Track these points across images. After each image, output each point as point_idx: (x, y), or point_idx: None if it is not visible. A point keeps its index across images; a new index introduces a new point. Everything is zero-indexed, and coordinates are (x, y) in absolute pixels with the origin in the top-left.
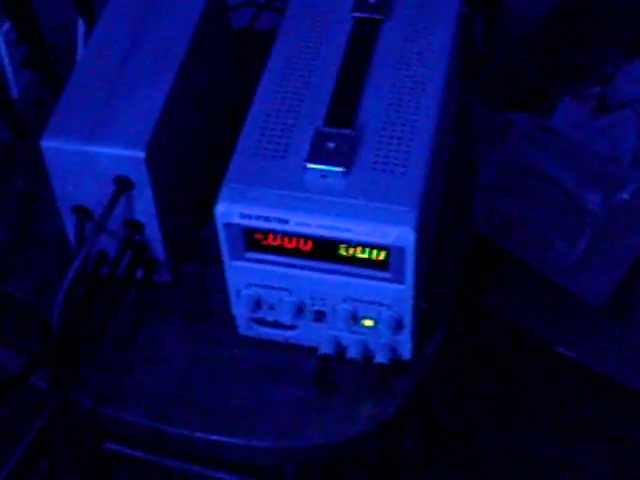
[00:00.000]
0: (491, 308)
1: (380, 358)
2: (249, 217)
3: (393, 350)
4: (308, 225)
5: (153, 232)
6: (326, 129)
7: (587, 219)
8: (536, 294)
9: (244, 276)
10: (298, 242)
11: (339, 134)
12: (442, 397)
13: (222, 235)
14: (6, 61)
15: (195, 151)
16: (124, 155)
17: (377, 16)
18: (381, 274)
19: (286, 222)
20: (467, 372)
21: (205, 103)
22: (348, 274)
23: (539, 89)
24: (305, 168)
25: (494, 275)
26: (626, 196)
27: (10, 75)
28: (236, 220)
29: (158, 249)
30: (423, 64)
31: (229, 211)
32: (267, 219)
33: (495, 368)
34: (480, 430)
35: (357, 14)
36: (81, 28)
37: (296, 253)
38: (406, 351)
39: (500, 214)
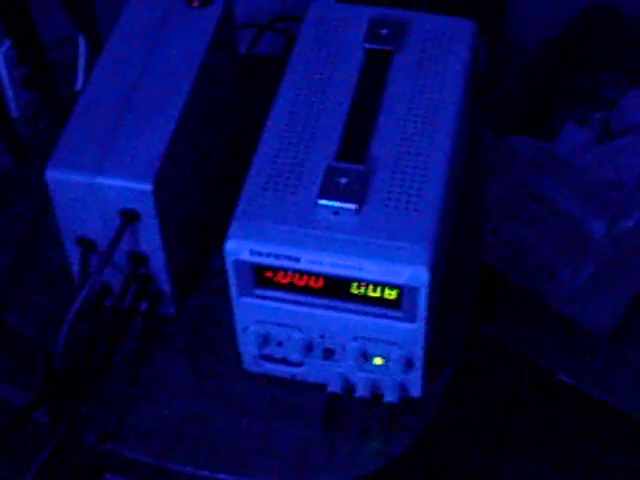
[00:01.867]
0: (494, 335)
1: (389, 397)
2: (259, 254)
3: (403, 389)
4: (319, 263)
5: (158, 265)
6: (338, 164)
7: (591, 247)
8: (539, 322)
9: (252, 313)
10: (309, 280)
11: (351, 169)
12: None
13: (231, 272)
14: (6, 81)
15: (201, 181)
16: (131, 187)
17: (389, 47)
18: (393, 313)
19: (297, 260)
20: (468, 400)
21: (211, 132)
22: (359, 312)
23: (543, 113)
24: (316, 204)
25: (497, 302)
26: (630, 224)
27: (10, 95)
28: (246, 257)
29: (163, 282)
30: (436, 97)
31: (239, 248)
32: (277, 256)
33: (497, 396)
34: (480, 458)
35: (369, 45)
36: (82, 45)
37: (306, 291)
38: (416, 389)
39: (503, 241)
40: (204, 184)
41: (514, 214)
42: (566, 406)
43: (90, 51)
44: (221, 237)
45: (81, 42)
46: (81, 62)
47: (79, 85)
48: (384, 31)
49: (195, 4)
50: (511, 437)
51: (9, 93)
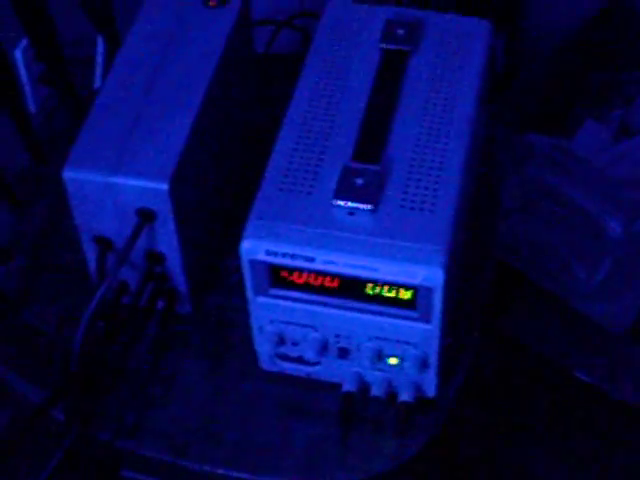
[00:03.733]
0: (510, 332)
1: (404, 396)
2: (275, 254)
3: (418, 388)
4: (335, 264)
5: (175, 264)
6: (354, 164)
7: (608, 245)
8: (556, 320)
9: (268, 312)
10: (324, 280)
11: (367, 170)
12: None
13: (247, 271)
14: (24, 78)
15: (217, 181)
16: (147, 187)
17: (405, 48)
18: (408, 313)
19: (312, 260)
20: (484, 396)
21: (228, 131)
22: (374, 313)
23: (560, 111)
24: (332, 205)
25: (513, 300)
26: None
27: (28, 92)
28: (262, 257)
29: (179, 280)
30: (452, 97)
31: (255, 248)
32: (293, 257)
33: (512, 392)
34: (496, 455)
35: (385, 45)
36: (100, 45)
37: (322, 291)
38: (431, 389)
39: (520, 238)
40: (220, 183)
41: (531, 212)
42: (582, 404)
43: (108, 50)
44: (237, 236)
45: (99, 41)
46: (99, 61)
47: (97, 84)
48: (400, 31)
49: (212, 4)
50: (527, 435)
51: (27, 89)
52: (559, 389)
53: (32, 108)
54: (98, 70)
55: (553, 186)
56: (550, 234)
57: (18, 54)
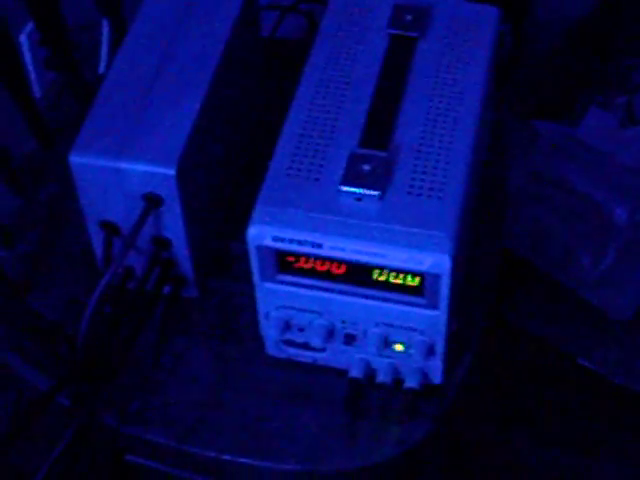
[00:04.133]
0: (515, 320)
1: (410, 383)
2: (282, 240)
3: (424, 375)
4: (342, 249)
5: (181, 249)
6: (361, 151)
7: (613, 233)
8: (561, 307)
9: (274, 298)
10: (331, 265)
11: (374, 156)
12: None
13: (253, 257)
14: (29, 62)
15: (224, 166)
16: (154, 172)
17: (413, 34)
18: (415, 300)
19: (320, 246)
20: (488, 383)
21: (235, 116)
22: (381, 299)
23: (566, 98)
24: (339, 191)
25: (519, 287)
26: None
27: (33, 77)
28: (268, 243)
29: (186, 266)
30: (459, 84)
31: (261, 233)
32: (300, 242)
33: (517, 380)
34: (500, 441)
35: (393, 31)
36: (106, 29)
37: (328, 276)
38: (437, 376)
39: (525, 226)
40: (227, 169)
41: (536, 199)
42: (587, 391)
43: (113, 35)
44: (244, 221)
45: (105, 26)
46: (104, 46)
47: (102, 69)
48: (408, 17)
49: None
50: (530, 422)
51: (32, 74)
52: (563, 376)
53: (37, 93)
54: (103, 54)
55: (558, 173)
56: (555, 221)
57: (23, 38)
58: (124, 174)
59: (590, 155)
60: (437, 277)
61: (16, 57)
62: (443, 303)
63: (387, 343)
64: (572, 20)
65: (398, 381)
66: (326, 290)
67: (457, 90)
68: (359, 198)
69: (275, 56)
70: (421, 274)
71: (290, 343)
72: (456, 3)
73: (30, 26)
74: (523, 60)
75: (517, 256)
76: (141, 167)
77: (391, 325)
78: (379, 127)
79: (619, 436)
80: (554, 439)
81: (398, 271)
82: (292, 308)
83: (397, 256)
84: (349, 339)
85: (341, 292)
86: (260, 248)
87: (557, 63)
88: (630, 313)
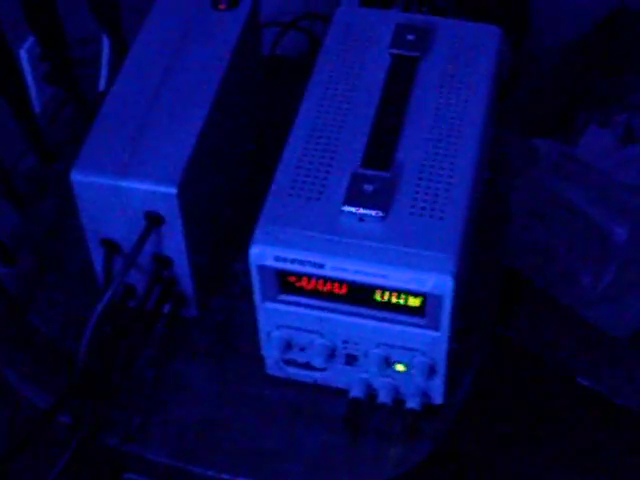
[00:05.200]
0: (515, 338)
1: (411, 403)
2: (284, 260)
3: (425, 395)
4: (344, 270)
5: (182, 268)
6: (363, 171)
7: (613, 251)
8: (560, 325)
9: (275, 318)
10: (333, 286)
11: (376, 176)
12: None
13: (255, 277)
14: (29, 77)
15: (225, 185)
16: (155, 191)
17: (415, 53)
18: (416, 320)
19: (321, 266)
20: (488, 401)
21: (236, 134)
22: (382, 319)
23: (566, 116)
24: (341, 211)
25: (519, 305)
26: None
27: (33, 91)
28: (270, 263)
29: (186, 284)
30: (461, 103)
31: (263, 253)
32: (302, 263)
33: (516, 398)
34: (500, 460)
35: (395, 51)
36: (106, 46)
37: (330, 297)
38: (438, 396)
39: (525, 244)
40: (228, 188)
41: (536, 217)
42: (586, 410)
43: (113, 50)
44: (245, 241)
45: (105, 41)
46: (104, 61)
47: (102, 84)
48: (410, 37)
49: (222, 7)
50: (530, 441)
51: (32, 89)
52: (563, 395)
53: (37, 108)
54: (103, 70)
55: (558, 191)
56: (554, 239)
57: (23, 53)
58: (125, 192)
59: (589, 173)
60: (439, 298)
61: (16, 72)
62: (444, 324)
63: (388, 363)
64: (571, 38)
65: (399, 402)
66: (327, 310)
67: (459, 110)
68: (361, 218)
69: (275, 73)
70: (423, 295)
71: (291, 363)
72: (458, 22)
73: (30, 41)
74: (522, 78)
75: (516, 274)
76: (142, 186)
77: (392, 345)
78: (381, 147)
79: (619, 455)
80: (554, 457)
81: (400, 292)
82: (293, 328)
83: (399, 277)
84: (350, 359)
85: (342, 312)
86: (262, 268)
87: (556, 81)
88: (630, 331)
